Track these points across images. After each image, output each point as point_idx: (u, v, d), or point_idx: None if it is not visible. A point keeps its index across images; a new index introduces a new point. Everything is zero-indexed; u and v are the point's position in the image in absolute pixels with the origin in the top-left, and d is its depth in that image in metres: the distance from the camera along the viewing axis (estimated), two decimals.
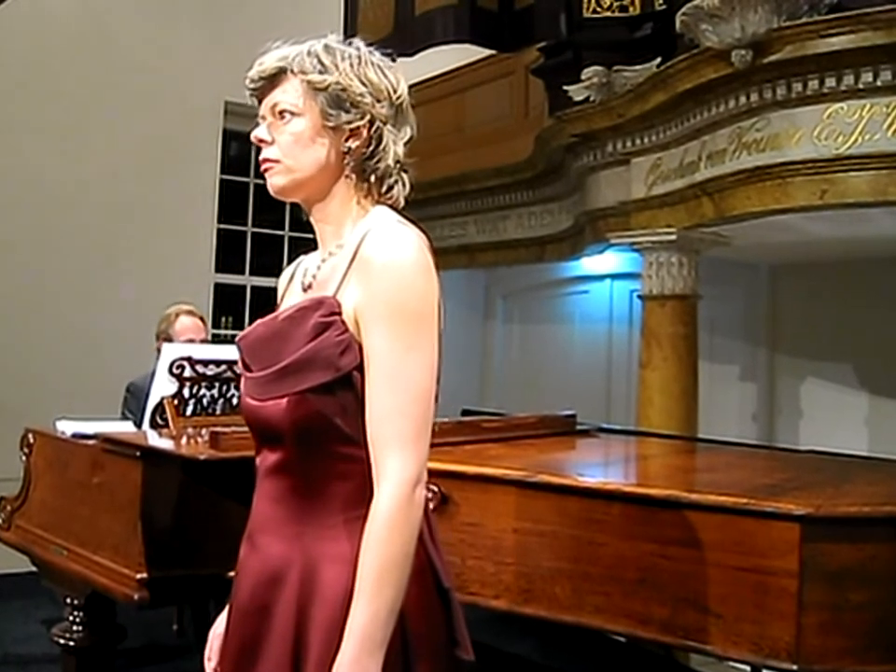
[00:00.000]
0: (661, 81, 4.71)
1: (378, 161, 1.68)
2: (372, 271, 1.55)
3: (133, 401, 4.15)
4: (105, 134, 6.91)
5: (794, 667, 2.12)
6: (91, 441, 3.12)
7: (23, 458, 3.45)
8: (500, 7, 5.79)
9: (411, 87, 1.77)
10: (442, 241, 7.45)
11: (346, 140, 1.66)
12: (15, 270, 6.51)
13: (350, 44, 1.70)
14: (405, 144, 1.72)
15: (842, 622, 2.14)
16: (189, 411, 3.43)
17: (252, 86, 1.69)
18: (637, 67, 4.97)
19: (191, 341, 4.20)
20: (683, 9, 4.22)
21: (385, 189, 1.70)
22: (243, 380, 1.74)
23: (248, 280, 7.90)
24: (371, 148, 1.67)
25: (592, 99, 5.16)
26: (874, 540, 2.19)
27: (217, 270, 7.64)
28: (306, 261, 1.80)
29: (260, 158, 1.70)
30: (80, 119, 6.83)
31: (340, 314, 1.57)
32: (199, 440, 3.09)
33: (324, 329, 1.56)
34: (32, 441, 3.44)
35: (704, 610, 2.22)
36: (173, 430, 3.33)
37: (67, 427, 3.31)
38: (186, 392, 3.41)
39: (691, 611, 2.23)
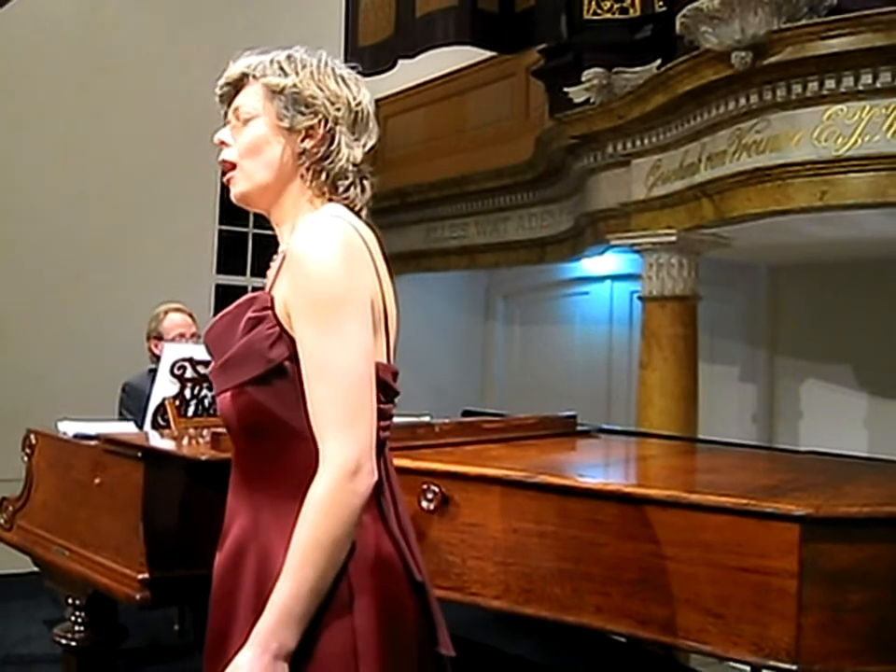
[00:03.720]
0: (661, 83, 4.73)
1: (332, 162, 1.71)
2: (293, 263, 1.59)
3: (130, 401, 4.16)
4: (106, 137, 6.93)
5: (794, 668, 2.10)
6: (92, 442, 3.10)
7: (25, 459, 3.43)
8: (501, 8, 5.81)
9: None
10: (443, 242, 7.49)
11: (302, 140, 1.70)
12: (18, 271, 6.54)
13: (317, 56, 1.75)
14: (366, 152, 1.75)
15: (842, 622, 2.12)
16: (190, 412, 3.43)
17: (219, 91, 1.78)
18: (638, 69, 4.99)
19: (182, 336, 4.20)
20: (683, 11, 4.25)
21: (340, 189, 1.73)
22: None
23: (250, 281, 7.90)
24: (324, 148, 1.70)
25: (592, 101, 5.19)
26: (874, 541, 2.17)
27: (219, 271, 7.68)
28: None
29: (220, 159, 1.76)
30: (81, 123, 6.85)
31: (272, 308, 1.61)
32: (200, 440, 3.09)
33: (256, 323, 1.60)
34: (34, 441, 3.42)
35: (704, 611, 2.20)
36: (174, 431, 3.33)
37: (69, 428, 3.29)
38: (187, 393, 3.41)
39: (691, 612, 2.21)
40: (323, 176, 1.71)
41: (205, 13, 7.33)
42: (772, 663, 2.15)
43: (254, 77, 1.72)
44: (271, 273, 1.71)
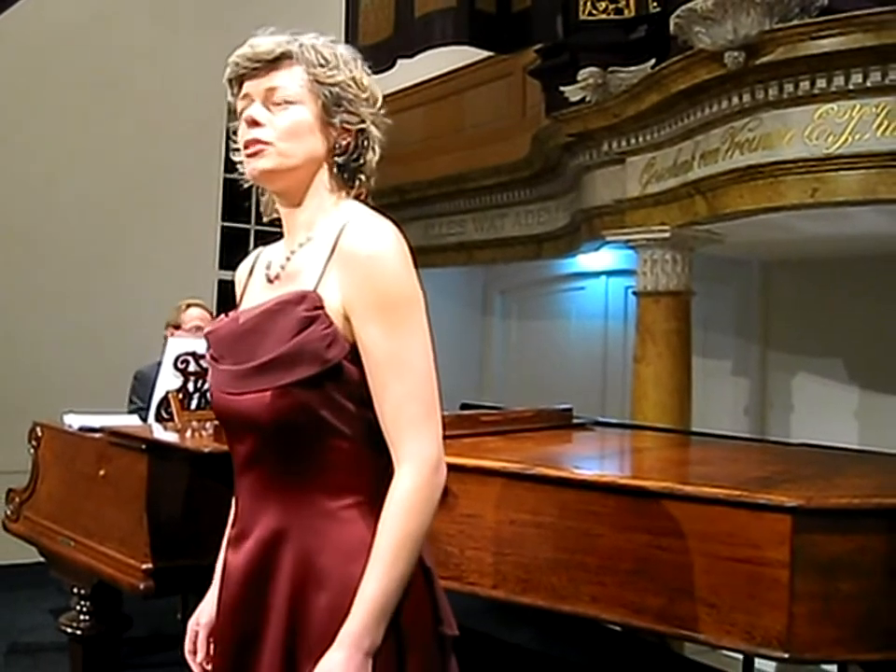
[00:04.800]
0: (655, 82, 4.74)
1: (362, 161, 1.72)
2: (358, 263, 1.56)
3: (141, 388, 4.26)
4: (108, 135, 6.96)
5: (786, 656, 2.14)
6: (97, 435, 3.16)
7: (31, 451, 3.48)
8: (498, 9, 5.83)
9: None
10: (441, 238, 7.50)
11: (338, 136, 1.69)
12: (22, 266, 6.57)
13: (349, 50, 1.73)
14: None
15: (832, 611, 2.16)
16: (193, 405, 3.49)
17: (248, 65, 1.67)
18: (632, 68, 5.02)
19: (198, 328, 4.30)
20: (677, 12, 4.27)
21: (363, 189, 1.74)
22: (213, 373, 1.73)
23: None
24: (358, 148, 1.71)
25: (588, 99, 5.21)
26: (863, 531, 2.21)
27: (221, 267, 7.69)
28: (267, 253, 1.82)
29: (249, 137, 1.67)
30: (85, 120, 6.88)
31: (323, 307, 1.57)
32: (203, 433, 3.14)
33: (309, 323, 1.56)
34: (40, 434, 3.47)
35: (697, 600, 2.23)
36: (177, 424, 3.38)
37: (74, 421, 3.35)
38: (190, 386, 3.46)
39: (685, 601, 2.25)
40: (349, 173, 1.71)
41: (205, 14, 7.34)
42: (764, 651, 2.18)
43: (296, 60, 1.65)
44: (292, 266, 1.69)
